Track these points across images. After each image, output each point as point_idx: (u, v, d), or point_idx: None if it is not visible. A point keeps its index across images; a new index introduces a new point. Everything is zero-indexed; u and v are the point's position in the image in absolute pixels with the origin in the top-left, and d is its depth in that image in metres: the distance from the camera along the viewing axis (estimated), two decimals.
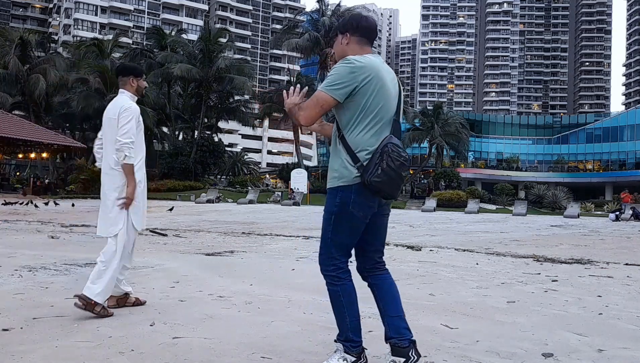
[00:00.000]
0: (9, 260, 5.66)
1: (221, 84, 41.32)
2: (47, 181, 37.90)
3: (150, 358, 2.60)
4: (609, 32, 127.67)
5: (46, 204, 19.72)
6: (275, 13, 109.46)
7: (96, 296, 3.36)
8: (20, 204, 19.11)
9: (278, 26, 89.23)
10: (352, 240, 2.49)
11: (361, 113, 2.40)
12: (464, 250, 8.05)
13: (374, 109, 2.40)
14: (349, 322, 2.46)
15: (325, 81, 2.40)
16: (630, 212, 22.55)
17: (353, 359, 2.43)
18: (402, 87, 2.62)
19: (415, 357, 2.41)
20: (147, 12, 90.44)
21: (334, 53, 2.60)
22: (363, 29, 2.57)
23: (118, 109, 3.54)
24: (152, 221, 12.91)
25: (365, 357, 2.49)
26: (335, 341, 2.51)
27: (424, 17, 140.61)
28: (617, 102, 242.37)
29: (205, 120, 44.60)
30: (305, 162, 54.83)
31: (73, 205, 18.26)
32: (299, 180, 33.46)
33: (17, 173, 46.92)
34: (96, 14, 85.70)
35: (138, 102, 3.73)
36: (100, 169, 3.67)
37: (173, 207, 19.11)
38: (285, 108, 2.52)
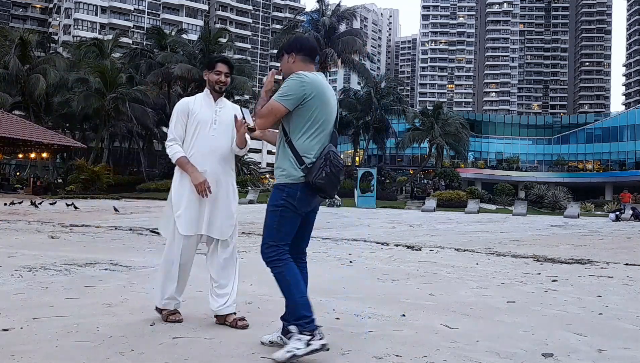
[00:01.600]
0: (9, 260, 5.65)
1: None
2: (56, 180, 37.94)
3: (150, 358, 2.60)
4: (609, 32, 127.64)
5: (40, 204, 19.72)
6: (275, 13, 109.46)
7: (155, 300, 3.34)
8: (20, 203, 19.12)
9: (278, 26, 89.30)
10: (293, 230, 2.79)
11: (307, 122, 2.75)
12: (464, 250, 8.05)
13: (319, 120, 2.77)
14: (299, 299, 2.64)
15: (278, 92, 2.73)
16: (631, 212, 22.56)
17: (308, 337, 2.54)
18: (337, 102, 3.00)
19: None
20: (147, 12, 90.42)
21: (280, 70, 2.94)
22: (306, 49, 2.90)
23: None
24: (152, 221, 12.91)
25: (321, 333, 2.59)
26: (288, 325, 2.66)
27: (424, 17, 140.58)
28: (617, 102, 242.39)
29: None
30: None
31: (75, 207, 18.22)
32: None
33: (17, 173, 46.90)
34: (96, 14, 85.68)
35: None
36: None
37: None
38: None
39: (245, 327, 3.20)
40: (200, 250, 3.50)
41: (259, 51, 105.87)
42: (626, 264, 6.82)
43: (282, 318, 2.77)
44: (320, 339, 2.56)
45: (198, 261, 3.62)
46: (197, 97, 3.44)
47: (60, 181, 37.67)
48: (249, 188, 36.68)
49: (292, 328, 2.61)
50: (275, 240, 2.75)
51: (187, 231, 3.25)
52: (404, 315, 3.62)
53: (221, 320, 3.29)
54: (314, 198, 2.79)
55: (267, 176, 52.71)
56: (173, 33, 49.89)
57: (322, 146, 2.77)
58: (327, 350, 2.61)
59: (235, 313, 3.30)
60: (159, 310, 3.35)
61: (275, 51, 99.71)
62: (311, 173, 2.69)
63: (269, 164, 71.77)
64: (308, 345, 2.53)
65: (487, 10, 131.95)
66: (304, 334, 2.56)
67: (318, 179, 2.68)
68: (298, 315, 2.61)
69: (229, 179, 3.38)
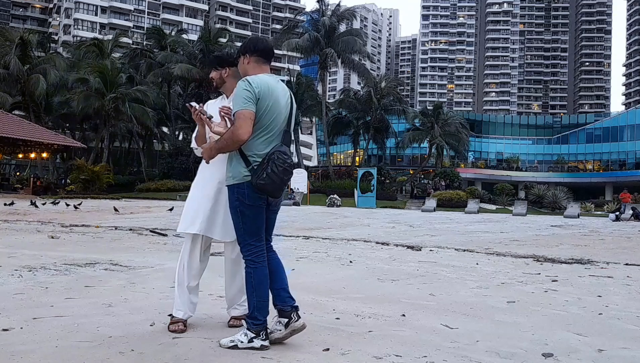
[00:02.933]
0: (9, 260, 5.65)
1: None
2: (56, 180, 37.94)
3: (150, 358, 2.60)
4: (609, 32, 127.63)
5: (44, 204, 19.72)
6: (275, 13, 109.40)
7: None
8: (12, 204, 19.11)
9: (278, 26, 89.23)
10: (259, 224, 2.91)
11: (255, 124, 2.80)
12: (464, 250, 8.05)
13: (267, 121, 2.83)
14: (255, 302, 2.84)
15: (237, 104, 2.80)
16: (631, 212, 22.57)
17: (252, 335, 2.79)
18: (294, 103, 3.07)
19: (296, 318, 2.87)
20: (147, 12, 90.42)
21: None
22: (260, 51, 2.97)
23: None
24: (152, 221, 12.92)
25: (267, 334, 2.83)
26: (245, 318, 2.90)
27: (424, 17, 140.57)
28: (617, 102, 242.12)
29: None
30: (305, 162, 54.85)
31: (76, 207, 18.21)
32: (299, 180, 33.44)
33: (17, 173, 46.89)
34: (96, 14, 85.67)
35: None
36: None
37: (173, 207, 19.11)
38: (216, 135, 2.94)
39: (234, 326, 3.19)
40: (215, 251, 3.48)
41: None
42: (626, 264, 6.82)
43: (273, 303, 2.93)
44: (263, 340, 2.80)
45: (213, 263, 3.61)
46: (219, 98, 3.46)
47: (63, 181, 37.64)
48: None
49: (244, 322, 2.87)
50: (247, 239, 2.88)
51: (187, 230, 3.21)
52: (404, 315, 3.62)
53: (231, 321, 3.27)
54: (263, 197, 2.86)
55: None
56: (173, 33, 49.94)
57: (270, 147, 2.83)
58: (267, 349, 2.79)
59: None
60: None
61: (275, 51, 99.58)
62: (254, 174, 2.78)
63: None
64: (250, 341, 2.78)
65: (487, 10, 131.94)
66: (250, 331, 2.80)
67: (259, 180, 2.77)
68: (251, 315, 2.84)
69: None
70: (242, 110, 2.77)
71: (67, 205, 18.64)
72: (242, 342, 2.78)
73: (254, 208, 2.85)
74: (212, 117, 3.07)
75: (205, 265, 3.32)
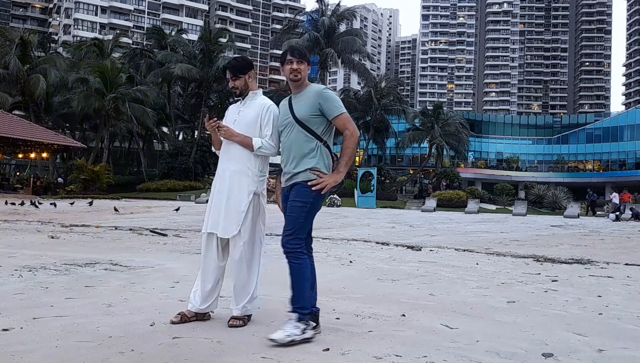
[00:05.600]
0: (9, 260, 5.65)
1: (221, 84, 41.33)
2: (56, 180, 37.94)
3: (150, 358, 2.60)
4: (609, 32, 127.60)
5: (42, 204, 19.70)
6: (275, 13, 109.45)
7: None
8: (22, 204, 19.12)
9: (278, 26, 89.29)
10: (311, 225, 3.12)
11: (332, 127, 3.16)
12: (464, 250, 8.05)
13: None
14: (303, 293, 2.95)
15: (337, 107, 3.08)
16: (630, 212, 22.60)
17: (303, 326, 2.88)
18: None
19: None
20: (147, 12, 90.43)
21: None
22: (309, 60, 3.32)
23: None
24: (152, 221, 12.92)
25: (314, 321, 2.99)
26: (290, 312, 2.95)
27: (424, 17, 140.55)
28: (617, 102, 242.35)
29: None
30: None
31: (70, 203, 18.22)
32: None
33: (17, 173, 46.89)
34: (96, 14, 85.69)
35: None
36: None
37: (179, 207, 19.13)
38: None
39: (234, 326, 3.20)
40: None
41: (259, 51, 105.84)
42: (626, 264, 6.82)
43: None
44: (312, 328, 2.93)
45: (198, 262, 3.61)
46: (237, 103, 3.58)
47: (63, 181, 37.63)
48: None
49: (293, 315, 2.91)
50: (300, 233, 3.00)
51: (205, 228, 3.34)
52: (404, 315, 3.62)
53: (231, 321, 3.29)
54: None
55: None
56: (173, 33, 49.92)
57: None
58: (319, 332, 3.00)
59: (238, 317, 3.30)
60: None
61: (275, 51, 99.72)
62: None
63: (269, 164, 71.54)
64: (303, 332, 2.88)
65: (487, 10, 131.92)
66: (301, 322, 2.89)
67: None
68: (301, 306, 2.93)
69: (242, 178, 3.31)
70: (345, 112, 3.11)
71: (71, 204, 18.63)
72: (297, 334, 2.85)
73: (317, 210, 3.08)
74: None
75: (225, 264, 3.38)
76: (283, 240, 3.00)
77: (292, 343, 2.79)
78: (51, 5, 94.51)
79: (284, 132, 3.19)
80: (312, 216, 3.06)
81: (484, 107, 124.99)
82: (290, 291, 3.00)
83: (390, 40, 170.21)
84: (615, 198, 31.96)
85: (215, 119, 3.34)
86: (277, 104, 3.38)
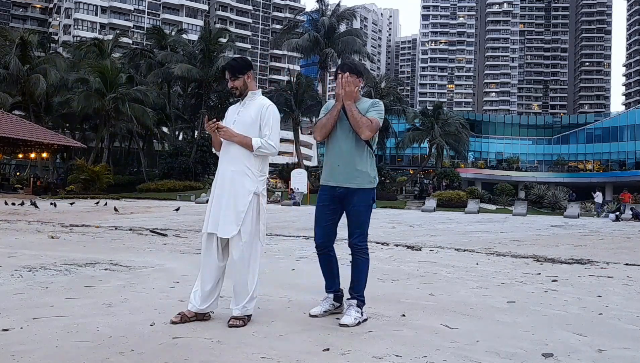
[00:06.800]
0: (9, 260, 5.65)
1: (221, 84, 41.31)
2: (56, 180, 37.95)
3: (150, 358, 2.60)
4: (609, 32, 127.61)
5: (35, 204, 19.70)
6: (275, 13, 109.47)
7: None
8: (22, 204, 19.12)
9: (278, 26, 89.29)
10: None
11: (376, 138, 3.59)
12: (464, 250, 8.05)
13: None
14: (365, 283, 3.52)
15: (377, 110, 3.43)
16: (631, 212, 22.59)
17: (362, 310, 3.43)
18: None
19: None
20: (147, 12, 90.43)
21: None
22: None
23: None
24: (152, 221, 12.92)
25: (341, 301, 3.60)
26: (351, 299, 3.44)
27: (424, 17, 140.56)
28: (617, 102, 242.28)
29: None
30: (305, 162, 54.81)
31: (105, 204, 18.22)
32: (299, 180, 33.45)
33: (17, 173, 46.88)
34: (96, 14, 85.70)
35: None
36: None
37: (179, 207, 19.14)
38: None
39: (234, 326, 3.19)
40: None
41: (259, 51, 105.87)
42: (626, 264, 6.82)
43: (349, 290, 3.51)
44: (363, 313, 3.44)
45: (198, 262, 3.61)
46: (237, 103, 3.59)
47: (62, 180, 37.63)
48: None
49: (353, 302, 3.40)
50: (367, 233, 3.51)
51: (205, 229, 3.36)
52: (404, 315, 3.62)
53: (231, 321, 3.27)
54: None
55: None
56: (173, 33, 49.89)
57: None
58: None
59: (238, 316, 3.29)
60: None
61: (275, 51, 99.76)
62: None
63: (269, 165, 71.47)
64: (362, 314, 3.40)
65: (487, 10, 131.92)
66: (360, 308, 3.41)
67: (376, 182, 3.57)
68: (362, 295, 3.46)
69: (242, 178, 3.31)
70: (378, 121, 3.41)
71: (71, 204, 18.63)
72: (360, 317, 3.36)
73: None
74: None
75: (225, 264, 3.37)
76: (354, 241, 3.44)
77: (359, 324, 3.29)
78: (51, 5, 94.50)
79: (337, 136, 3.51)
80: (370, 216, 3.56)
81: (484, 107, 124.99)
82: (350, 282, 3.48)
83: (390, 41, 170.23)
84: (597, 197, 32.11)
85: (215, 120, 3.35)
86: (277, 104, 3.43)
